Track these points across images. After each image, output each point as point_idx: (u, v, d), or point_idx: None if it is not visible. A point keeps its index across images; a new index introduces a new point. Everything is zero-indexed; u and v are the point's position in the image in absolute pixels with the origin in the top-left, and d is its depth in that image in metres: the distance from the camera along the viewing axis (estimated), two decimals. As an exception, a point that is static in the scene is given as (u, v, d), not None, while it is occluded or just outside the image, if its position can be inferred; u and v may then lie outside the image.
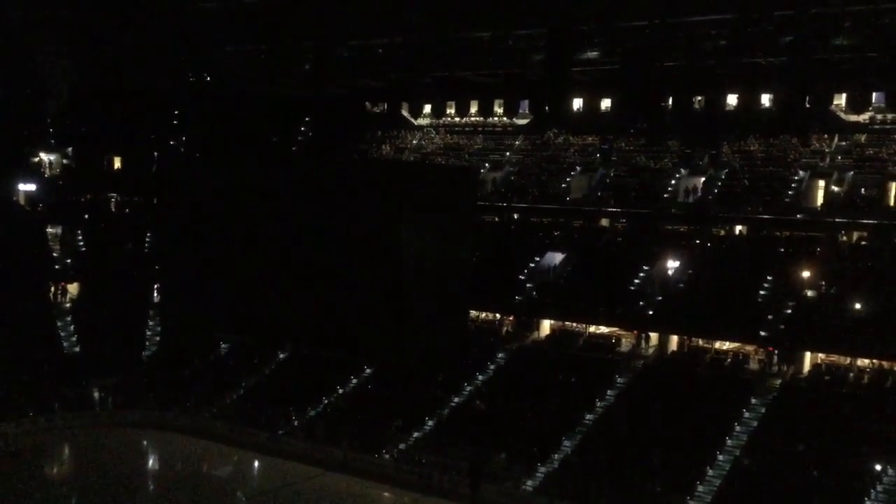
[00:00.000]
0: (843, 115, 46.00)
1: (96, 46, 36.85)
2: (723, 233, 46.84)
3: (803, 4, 27.86)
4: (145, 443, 42.49)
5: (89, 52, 37.26)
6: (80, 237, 54.18)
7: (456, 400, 41.72)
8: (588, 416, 38.94)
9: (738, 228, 46.47)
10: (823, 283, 40.43)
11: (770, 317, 39.29)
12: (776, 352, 39.41)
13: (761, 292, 40.91)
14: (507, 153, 55.31)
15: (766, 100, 46.34)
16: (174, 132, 57.28)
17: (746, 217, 45.13)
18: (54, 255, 52.49)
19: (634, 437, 36.49)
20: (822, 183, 44.43)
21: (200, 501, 34.04)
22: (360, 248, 17.87)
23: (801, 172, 45.10)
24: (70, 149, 56.96)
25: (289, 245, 18.83)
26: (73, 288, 52.34)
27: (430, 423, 40.39)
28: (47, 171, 56.43)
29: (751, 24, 30.19)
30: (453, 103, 58.67)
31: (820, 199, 44.18)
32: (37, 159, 56.00)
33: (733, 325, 39.85)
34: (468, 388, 42.44)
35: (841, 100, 46.33)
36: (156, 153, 53.09)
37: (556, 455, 36.99)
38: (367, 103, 61.18)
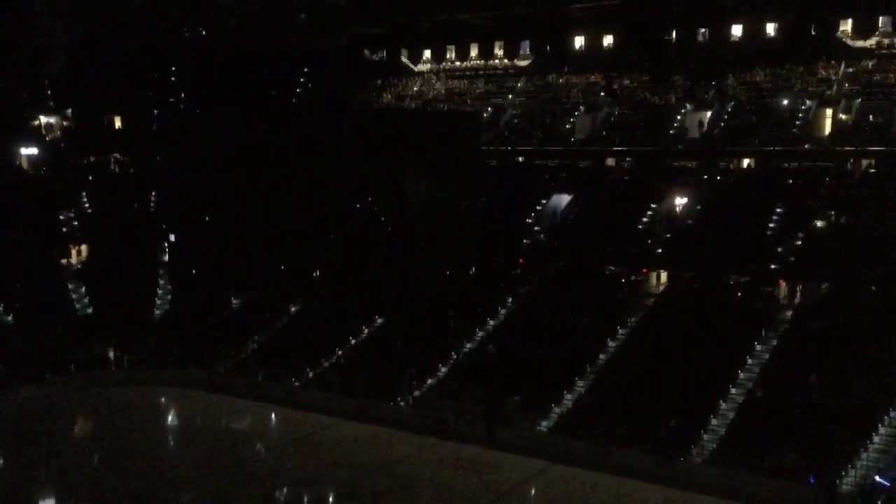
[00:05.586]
0: (849, 42, 45.21)
1: (92, 3, 36.37)
2: (730, 167, 46.47)
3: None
4: (163, 399, 42.96)
5: (85, 8, 36.76)
6: (85, 199, 54.17)
7: (468, 346, 41.95)
8: (600, 356, 39.15)
9: (745, 162, 46.09)
10: (832, 213, 40.16)
11: (780, 249, 39.15)
12: (786, 284, 39.38)
13: (770, 225, 40.69)
14: (510, 96, 54.72)
15: (770, 29, 45.51)
16: (173, 89, 56.89)
17: (754, 150, 44.71)
18: (61, 218, 52.51)
19: (647, 375, 36.70)
20: (829, 112, 43.89)
21: (221, 455, 34.46)
22: (366, 198, 17.84)
23: (808, 102, 44.54)
24: (70, 110, 56.64)
25: (294, 199, 18.80)
26: (81, 250, 52.52)
27: (444, 369, 40.68)
28: (48, 133, 56.17)
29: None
30: (453, 48, 58.00)
31: (828, 129, 43.68)
32: (37, 122, 55.75)
33: (743, 259, 39.74)
34: (480, 334, 42.66)
35: (847, 25, 45.52)
36: (156, 111, 52.75)
37: (570, 396, 37.29)
38: (365, 51, 60.51)
